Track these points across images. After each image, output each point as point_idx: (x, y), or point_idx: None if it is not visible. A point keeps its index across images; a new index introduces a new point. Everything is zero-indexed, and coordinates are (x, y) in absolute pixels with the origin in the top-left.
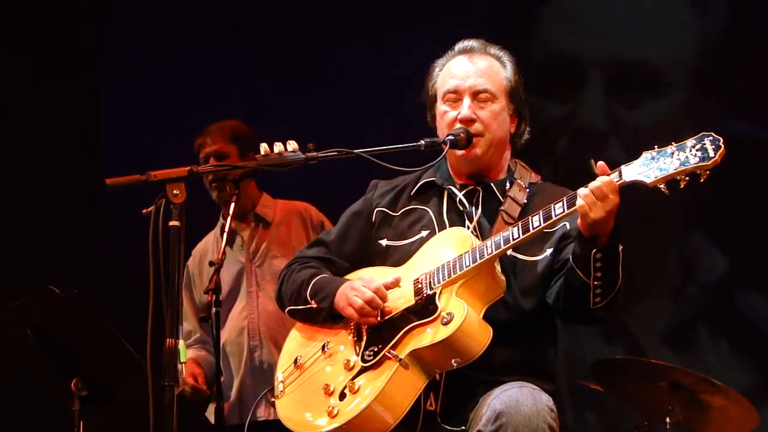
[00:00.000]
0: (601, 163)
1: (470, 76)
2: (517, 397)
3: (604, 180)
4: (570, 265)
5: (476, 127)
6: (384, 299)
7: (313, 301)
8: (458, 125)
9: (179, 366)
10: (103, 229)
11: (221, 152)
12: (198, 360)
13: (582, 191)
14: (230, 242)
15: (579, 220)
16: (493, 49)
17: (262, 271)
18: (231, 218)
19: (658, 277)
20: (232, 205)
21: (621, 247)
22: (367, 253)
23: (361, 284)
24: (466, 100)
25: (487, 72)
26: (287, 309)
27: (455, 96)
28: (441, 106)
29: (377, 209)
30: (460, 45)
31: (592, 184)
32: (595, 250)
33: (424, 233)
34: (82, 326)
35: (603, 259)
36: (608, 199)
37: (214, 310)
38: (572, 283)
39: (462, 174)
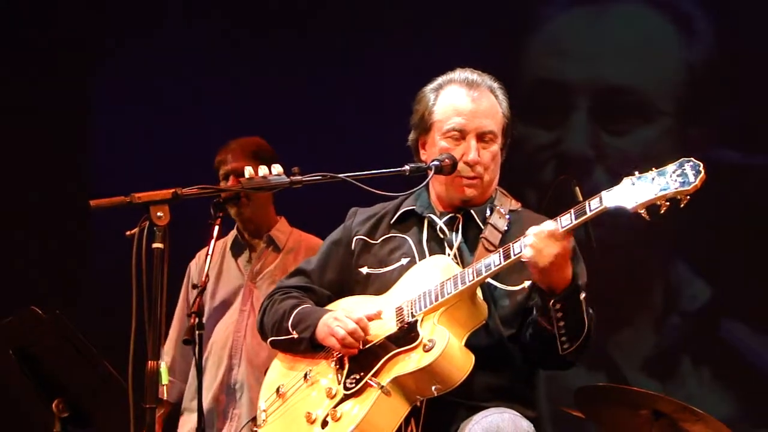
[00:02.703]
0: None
1: (476, 116)
2: (498, 423)
3: (548, 226)
4: (534, 314)
5: (478, 170)
6: (366, 330)
7: (294, 332)
8: (462, 164)
9: (160, 388)
10: (86, 248)
11: (241, 170)
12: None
13: (526, 239)
14: (238, 254)
15: (530, 269)
16: (489, 81)
17: (259, 294)
18: (215, 241)
19: (640, 305)
20: (216, 228)
21: (584, 295)
22: (348, 281)
23: (344, 315)
24: (473, 143)
25: (491, 111)
26: (269, 340)
27: (459, 135)
28: (441, 141)
29: (356, 237)
30: (459, 75)
31: (533, 230)
32: (552, 301)
33: (404, 261)
34: (65, 347)
35: (562, 309)
36: (551, 244)
37: (197, 332)
38: (538, 330)
39: (446, 203)
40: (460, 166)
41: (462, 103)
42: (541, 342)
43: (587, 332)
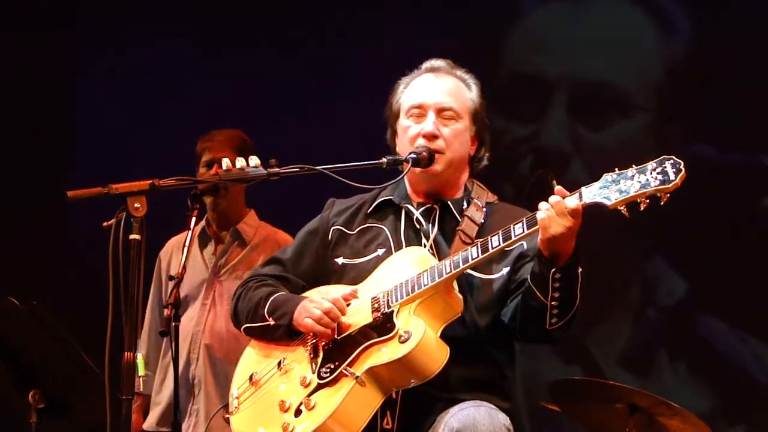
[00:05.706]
0: (558, 187)
1: (436, 93)
2: (474, 416)
3: (567, 198)
4: (528, 284)
5: (438, 143)
6: (342, 310)
7: (270, 319)
8: (420, 140)
9: (137, 380)
10: (63, 239)
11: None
12: None
13: (543, 205)
14: (204, 245)
15: (539, 237)
16: (460, 71)
17: (222, 288)
18: (192, 233)
19: (618, 300)
20: (193, 219)
21: (581, 270)
22: (324, 272)
23: (319, 296)
24: (431, 116)
25: (453, 91)
26: (243, 327)
27: (419, 111)
28: (404, 121)
29: (333, 228)
30: (426, 64)
31: (553, 199)
32: (554, 270)
33: (380, 251)
34: (41, 338)
35: (562, 280)
36: (567, 217)
37: (173, 324)
38: (529, 302)
39: (420, 191)
40: (420, 140)
41: (424, 84)
42: (529, 313)
43: (575, 311)
